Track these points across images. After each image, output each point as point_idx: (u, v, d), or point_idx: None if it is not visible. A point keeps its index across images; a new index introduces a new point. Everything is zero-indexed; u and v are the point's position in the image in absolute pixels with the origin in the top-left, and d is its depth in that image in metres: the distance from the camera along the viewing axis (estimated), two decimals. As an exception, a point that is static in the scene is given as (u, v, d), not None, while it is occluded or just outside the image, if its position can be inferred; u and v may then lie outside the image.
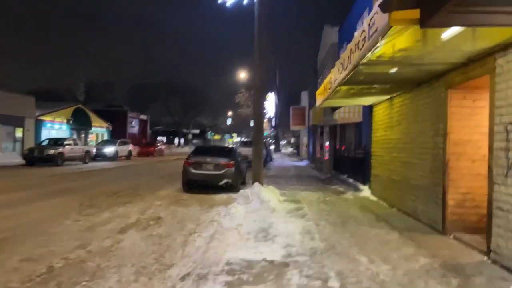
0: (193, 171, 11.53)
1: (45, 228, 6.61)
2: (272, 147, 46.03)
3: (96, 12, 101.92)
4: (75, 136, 32.96)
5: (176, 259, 5.09)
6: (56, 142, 23.26)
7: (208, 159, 11.69)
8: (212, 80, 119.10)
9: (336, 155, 18.10)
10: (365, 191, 11.59)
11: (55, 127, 32.32)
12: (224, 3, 10.15)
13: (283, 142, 76.25)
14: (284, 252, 5.37)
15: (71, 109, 34.50)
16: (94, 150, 26.65)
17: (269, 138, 50.91)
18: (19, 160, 22.26)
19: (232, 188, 11.46)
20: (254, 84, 11.80)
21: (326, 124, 19.17)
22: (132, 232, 6.50)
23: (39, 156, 21.02)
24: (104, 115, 41.33)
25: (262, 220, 7.45)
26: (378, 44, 4.67)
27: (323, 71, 22.41)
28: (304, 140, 39.86)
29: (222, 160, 11.60)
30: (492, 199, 5.06)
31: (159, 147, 40.59)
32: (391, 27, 4.16)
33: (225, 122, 77.87)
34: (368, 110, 11.97)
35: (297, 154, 48.70)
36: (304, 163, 31.13)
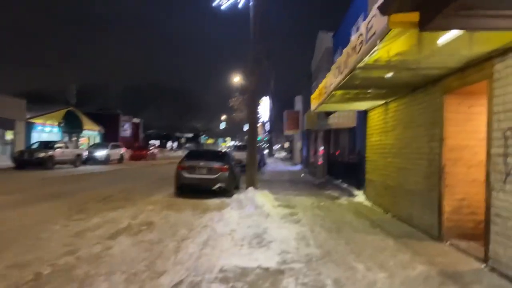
0: (186, 175, 11.38)
1: (33, 233, 6.41)
2: (265, 151, 45.96)
3: (89, 14, 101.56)
4: (66, 139, 32.56)
5: (168, 266, 4.93)
6: (47, 145, 22.91)
7: (202, 163, 11.55)
8: (206, 84, 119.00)
9: (330, 160, 18.06)
10: (359, 196, 11.52)
11: (46, 130, 31.91)
12: (219, 6, 10.08)
13: (276, 147, 76.23)
14: (279, 259, 5.25)
15: (63, 111, 34.08)
16: (85, 153, 26.33)
17: (262, 143, 50.82)
18: (9, 163, 21.90)
19: (225, 192, 11.32)
20: (248, 88, 11.72)
21: (320, 128, 19.13)
22: (122, 237, 6.33)
23: (29, 159, 20.70)
24: (96, 118, 40.93)
25: (256, 226, 7.33)
26: (376, 48, 4.60)
27: (317, 76, 22.41)
28: (298, 144, 39.83)
29: (216, 164, 11.46)
30: (490, 205, 5.00)
31: (152, 150, 40.27)
32: (390, 30, 4.10)
33: (219, 126, 77.70)
34: (363, 115, 11.93)
35: (290, 158, 48.65)
36: (297, 167, 31.08)
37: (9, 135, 27.07)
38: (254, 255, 5.44)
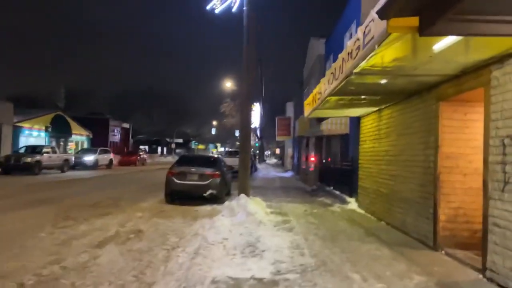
0: (177, 181, 11.16)
1: (17, 241, 6.18)
2: (257, 157, 45.79)
3: (78, 18, 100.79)
4: (54, 144, 32.04)
5: (158, 277, 4.74)
6: (34, 150, 22.53)
7: (193, 169, 11.36)
8: (197, 90, 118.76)
9: (322, 167, 17.97)
10: (352, 204, 11.43)
11: (34, 135, 31.40)
12: (213, 9, 9.96)
13: (267, 153, 76.15)
14: (273, 269, 5.10)
15: (51, 116, 33.60)
16: (73, 158, 25.90)
17: (253, 149, 50.69)
18: (-5, 168, 21.38)
19: (217, 199, 11.13)
20: (241, 93, 11.59)
21: (312, 135, 19.07)
22: (110, 246, 6.12)
23: (16, 164, 20.31)
24: (85, 123, 40.44)
25: (248, 234, 7.16)
26: (374, 52, 4.51)
27: (309, 82, 22.42)
28: (289, 151, 39.79)
29: (207, 170, 11.28)
30: (488, 214, 4.90)
31: (142, 156, 39.82)
32: (389, 34, 4.01)
33: (210, 131, 77.29)
34: (356, 122, 11.88)
35: (281, 165, 48.58)
36: (289, 174, 30.98)
37: (-5, 139, 26.50)
38: (247, 265, 5.27)
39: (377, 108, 9.43)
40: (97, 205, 10.33)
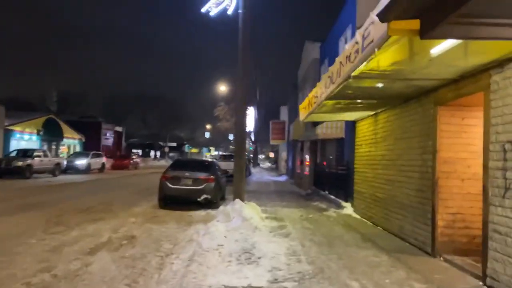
0: (171, 186, 11.00)
1: (7, 248, 6.02)
2: (251, 161, 45.67)
3: (71, 21, 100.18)
4: (45, 147, 31.67)
5: (151, 285, 4.61)
6: (25, 153, 22.22)
7: (187, 174, 11.21)
8: (190, 93, 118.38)
9: (316, 171, 17.89)
10: (348, 209, 11.34)
11: (25, 138, 31.00)
12: (208, 12, 9.87)
13: (261, 157, 76.02)
14: (270, 277, 4.98)
15: (42, 119, 33.22)
16: (65, 162, 25.57)
17: (247, 153, 50.54)
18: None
19: (211, 204, 10.99)
20: (236, 97, 11.48)
21: (307, 139, 19.00)
22: (102, 253, 5.96)
23: (7, 168, 20.03)
24: (77, 126, 40.06)
25: (244, 240, 7.04)
26: (373, 56, 4.43)
27: (304, 86, 22.38)
28: (283, 154, 39.71)
29: (202, 175, 11.13)
30: (488, 221, 4.83)
31: (134, 160, 39.50)
32: (389, 37, 3.93)
33: (203, 135, 77.09)
34: (351, 126, 11.82)
35: (276, 168, 48.50)
36: (283, 178, 30.89)
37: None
38: (243, 272, 5.15)
39: (374, 112, 9.37)
40: (89, 210, 10.14)
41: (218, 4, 9.92)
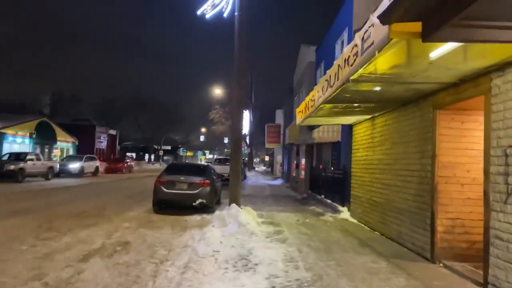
0: (165, 190, 10.84)
1: (-4, 255, 5.83)
2: (246, 165, 45.56)
3: (65, 24, 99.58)
4: (38, 150, 31.31)
5: (146, 294, 4.47)
6: (18, 157, 21.90)
7: (182, 178, 11.05)
8: (185, 96, 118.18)
9: (312, 175, 17.80)
10: (344, 213, 11.26)
11: (18, 141, 30.64)
12: (204, 14, 9.76)
13: (256, 160, 75.92)
14: (267, 284, 4.87)
15: (35, 122, 32.86)
16: (58, 165, 25.26)
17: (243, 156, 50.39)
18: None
19: (207, 208, 10.84)
20: (231, 100, 11.36)
21: (303, 142, 18.92)
22: (95, 260, 5.81)
23: (-2, 172, 19.63)
24: (70, 129, 39.69)
25: (240, 246, 6.92)
26: (374, 58, 4.35)
27: (300, 89, 22.34)
28: (279, 158, 39.64)
29: (197, 179, 10.98)
30: (489, 226, 4.75)
31: (129, 163, 39.17)
32: (390, 40, 3.85)
33: (198, 138, 76.83)
34: (348, 130, 11.76)
35: (271, 172, 48.40)
36: (278, 181, 30.77)
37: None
38: (240, 280, 5.03)
39: (371, 116, 9.31)
40: (82, 214, 9.95)
41: (214, 7, 9.83)
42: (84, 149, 37.56)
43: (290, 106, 26.48)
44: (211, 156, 76.20)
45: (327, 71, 6.65)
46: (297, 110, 10.23)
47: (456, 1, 3.25)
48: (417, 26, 3.68)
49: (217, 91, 42.02)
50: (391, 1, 3.62)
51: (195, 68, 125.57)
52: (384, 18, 3.74)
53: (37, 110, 46.96)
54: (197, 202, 10.65)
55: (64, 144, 38.98)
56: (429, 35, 3.63)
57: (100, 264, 5.60)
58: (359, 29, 4.99)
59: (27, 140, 31.71)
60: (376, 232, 8.74)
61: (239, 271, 5.43)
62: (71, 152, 38.60)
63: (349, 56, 5.24)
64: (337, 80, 5.92)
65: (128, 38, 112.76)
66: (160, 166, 47.32)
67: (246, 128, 47.81)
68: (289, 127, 23.55)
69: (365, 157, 9.89)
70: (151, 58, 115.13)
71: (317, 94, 7.66)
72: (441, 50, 4.29)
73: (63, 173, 25.64)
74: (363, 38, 4.62)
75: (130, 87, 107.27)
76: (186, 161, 68.50)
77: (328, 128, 13.70)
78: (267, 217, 10.51)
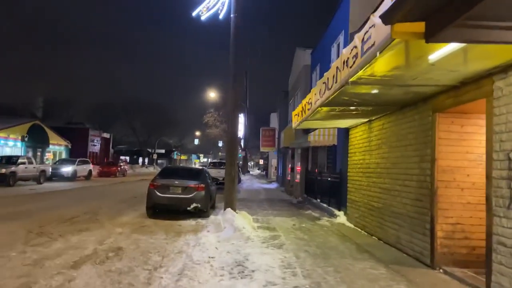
0: (159, 194, 10.64)
1: (-17, 262, 5.63)
2: (241, 168, 45.37)
3: (58, 26, 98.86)
4: (30, 154, 30.93)
5: (139, 303, 4.30)
6: (9, 160, 21.53)
7: (176, 182, 10.87)
8: (179, 100, 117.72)
9: (308, 178, 17.68)
10: (341, 217, 11.14)
11: (9, 144, 30.29)
12: (199, 16, 9.64)
13: (250, 164, 75.76)
14: (265, 293, 4.70)
15: (27, 125, 32.51)
16: (50, 169, 24.91)
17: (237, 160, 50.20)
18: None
19: (201, 213, 10.67)
20: (226, 104, 11.23)
21: (299, 146, 18.81)
22: (87, 266, 5.62)
23: (-11, 176, 19.30)
24: (63, 133, 39.34)
25: (236, 251, 6.76)
26: (375, 60, 4.24)
27: (295, 93, 22.26)
28: (273, 162, 39.51)
29: (191, 183, 10.81)
30: (492, 232, 4.64)
31: (122, 167, 38.82)
32: (392, 40, 3.74)
33: (192, 142, 76.56)
34: (344, 133, 11.66)
35: (265, 176, 48.23)
36: (273, 185, 30.62)
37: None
38: (237, 287, 4.86)
39: (367, 119, 9.21)
40: (74, 219, 9.74)
41: (209, 8, 9.71)
42: (77, 153, 37.24)
43: (285, 109, 26.39)
44: (205, 159, 75.90)
45: (325, 74, 6.54)
46: (293, 113, 10.11)
47: (461, 0, 3.15)
48: (420, 26, 3.58)
49: (212, 95, 41.92)
50: (393, 1, 3.51)
51: (190, 71, 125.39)
52: (387, 18, 3.63)
53: (29, 113, 46.52)
54: (192, 206, 10.47)
55: (57, 147, 38.61)
56: (433, 35, 3.54)
57: (91, 271, 5.41)
58: (357, 31, 4.90)
59: (19, 144, 31.35)
60: (373, 237, 8.62)
61: (236, 278, 5.27)
62: (64, 156, 38.24)
63: (348, 58, 5.12)
64: (335, 82, 5.80)
65: (123, 41, 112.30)
66: (154, 170, 46.99)
67: (240, 131, 47.69)
68: (284, 131, 23.45)
69: (362, 161, 9.79)
70: (145, 62, 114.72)
71: (314, 97, 7.54)
72: (443, 51, 4.19)
73: (56, 176, 25.29)
74: (363, 39, 4.51)
75: (124, 90, 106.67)
76: (181, 164, 68.17)
77: (324, 131, 13.60)
78: (263, 222, 10.35)
